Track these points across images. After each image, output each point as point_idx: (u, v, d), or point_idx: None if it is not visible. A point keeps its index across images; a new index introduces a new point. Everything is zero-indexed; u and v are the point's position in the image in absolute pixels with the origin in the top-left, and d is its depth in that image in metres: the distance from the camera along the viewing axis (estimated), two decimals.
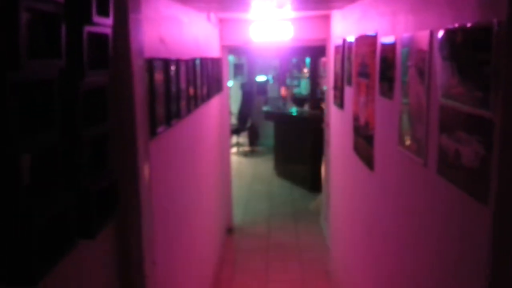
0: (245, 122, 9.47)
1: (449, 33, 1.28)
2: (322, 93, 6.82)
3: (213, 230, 4.23)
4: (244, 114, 9.57)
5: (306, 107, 7.79)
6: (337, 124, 3.83)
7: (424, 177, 1.58)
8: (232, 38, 4.70)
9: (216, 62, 4.14)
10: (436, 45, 1.40)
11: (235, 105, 10.17)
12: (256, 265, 4.52)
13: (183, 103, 2.53)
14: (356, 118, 2.78)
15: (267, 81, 10.31)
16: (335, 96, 3.84)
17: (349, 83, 3.04)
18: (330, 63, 4.34)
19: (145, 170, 1.54)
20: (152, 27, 1.97)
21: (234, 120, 9.88)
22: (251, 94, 9.80)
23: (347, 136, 3.14)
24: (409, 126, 1.71)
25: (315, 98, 7.87)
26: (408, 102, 1.73)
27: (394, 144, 1.90)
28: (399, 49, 1.85)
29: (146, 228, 1.54)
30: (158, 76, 1.96)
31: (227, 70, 5.10)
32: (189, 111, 2.73)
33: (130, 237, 1.46)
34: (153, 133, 1.88)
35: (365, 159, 2.56)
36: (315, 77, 8.38)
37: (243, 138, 9.74)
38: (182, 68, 2.49)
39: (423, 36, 1.55)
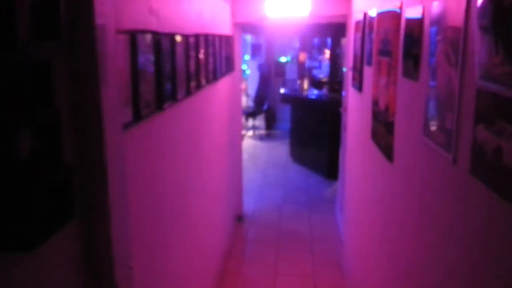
0: (262, 105, 9.18)
1: None
2: (342, 75, 6.47)
3: (221, 219, 4.01)
4: (260, 96, 9.27)
5: (325, 90, 7.44)
6: (355, 109, 3.53)
7: (453, 176, 1.30)
8: (245, 14, 4.39)
9: (226, 40, 3.86)
10: (474, 14, 1.10)
11: (252, 87, 9.89)
12: (265, 257, 4.30)
13: (180, 85, 2.28)
14: (375, 102, 2.48)
15: (286, 62, 9.95)
16: (353, 78, 3.52)
17: (369, 62, 2.73)
18: (349, 41, 4.01)
19: (117, 161, 1.30)
20: None
21: (250, 103, 9.62)
22: (268, 76, 9.47)
23: (365, 122, 2.84)
24: (437, 113, 1.42)
25: (335, 81, 7.51)
26: (436, 84, 1.44)
27: (418, 133, 1.61)
28: (427, 21, 1.54)
29: (118, 228, 1.31)
30: (145, 52, 1.71)
31: (240, 50, 4.81)
32: (189, 93, 2.48)
33: (96, 241, 1.23)
34: (137, 118, 1.63)
35: (383, 148, 2.27)
36: (335, 59, 7.99)
37: (259, 121, 9.47)
38: (180, 45, 2.23)
39: (457, 3, 1.25)
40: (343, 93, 4.69)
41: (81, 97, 1.11)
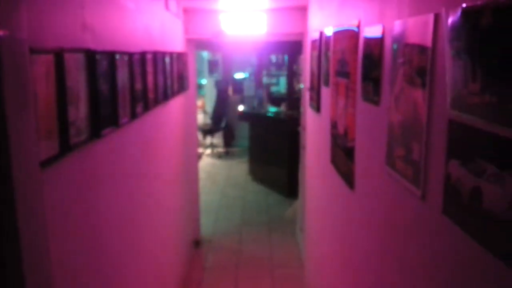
0: (220, 122, 9.00)
1: (468, 13, 0.86)
2: (300, 92, 6.41)
3: (176, 246, 3.76)
4: (218, 113, 9.09)
5: (283, 107, 7.36)
6: (314, 130, 3.41)
7: (421, 214, 1.16)
8: (199, 31, 4.22)
9: (178, 57, 3.67)
10: (444, 34, 0.98)
11: (209, 104, 9.70)
12: (224, 285, 4.07)
13: (123, 108, 2.06)
14: (334, 125, 2.36)
15: (244, 79, 9.85)
16: (311, 98, 3.41)
17: (327, 83, 2.61)
18: (306, 60, 3.92)
19: (32, 208, 1.08)
20: (68, 8, 1.50)
21: (208, 120, 9.43)
22: (226, 93, 9.32)
23: (324, 144, 2.71)
24: (402, 142, 1.29)
25: (293, 98, 7.45)
26: (400, 110, 1.31)
27: (381, 162, 1.48)
28: (388, 42, 1.43)
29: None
30: (76, 73, 1.49)
31: (194, 67, 4.63)
32: (134, 116, 2.26)
33: None
34: (65, 149, 1.41)
35: (344, 175, 2.14)
36: (292, 76, 7.96)
37: (217, 139, 9.27)
38: (122, 64, 2.02)
39: (423, 22, 1.13)
40: (301, 112, 4.59)
41: None
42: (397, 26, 1.34)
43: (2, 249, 1.00)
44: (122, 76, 2.03)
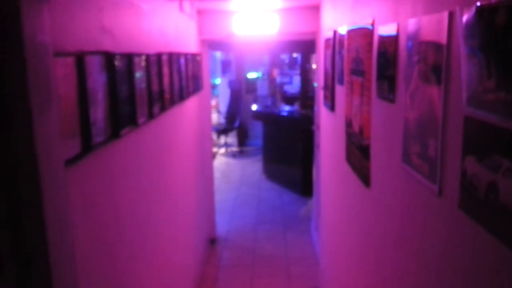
0: (234, 122, 9.04)
1: (483, 11, 0.87)
2: (314, 91, 6.41)
3: (192, 244, 3.81)
4: (232, 113, 9.13)
5: (297, 106, 7.37)
6: (328, 128, 3.42)
7: (438, 209, 1.17)
8: (212, 32, 4.26)
9: (193, 58, 3.71)
10: (459, 32, 0.99)
11: (223, 104, 9.75)
12: (240, 283, 4.10)
13: (141, 108, 2.10)
14: (349, 123, 2.37)
15: (257, 78, 9.87)
16: (325, 97, 3.42)
17: (341, 81, 2.62)
18: (320, 59, 3.93)
19: (58, 205, 1.12)
20: (88, 11, 1.54)
21: (222, 120, 9.48)
22: (239, 92, 9.36)
23: (339, 143, 2.72)
24: (418, 139, 1.30)
25: (306, 96, 7.45)
26: (416, 107, 1.32)
27: (397, 159, 1.49)
28: (403, 39, 1.44)
29: (61, 278, 1.12)
30: (96, 75, 1.53)
31: (208, 67, 4.67)
32: (151, 116, 2.31)
33: None
34: (86, 148, 1.45)
35: (359, 172, 2.14)
36: (306, 74, 7.96)
37: (231, 138, 9.31)
38: (139, 65, 2.06)
39: (438, 21, 1.14)
40: (315, 110, 4.59)
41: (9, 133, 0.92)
42: (411, 24, 1.35)
43: (30, 246, 1.05)
44: (139, 77, 2.07)
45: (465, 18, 0.96)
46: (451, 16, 1.07)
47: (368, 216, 1.99)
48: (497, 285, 0.85)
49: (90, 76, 1.47)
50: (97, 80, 1.56)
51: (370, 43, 1.86)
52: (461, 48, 0.98)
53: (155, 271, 2.49)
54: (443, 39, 1.10)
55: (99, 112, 1.58)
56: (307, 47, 7.54)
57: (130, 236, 2.00)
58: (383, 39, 1.68)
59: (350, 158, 2.37)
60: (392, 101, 1.56)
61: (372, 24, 1.85)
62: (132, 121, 1.99)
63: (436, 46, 1.16)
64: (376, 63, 1.77)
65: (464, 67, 0.97)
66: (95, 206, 1.57)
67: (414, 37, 1.33)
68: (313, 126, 4.82)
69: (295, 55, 9.99)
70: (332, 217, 3.28)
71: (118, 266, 1.82)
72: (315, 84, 4.81)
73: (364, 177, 2.00)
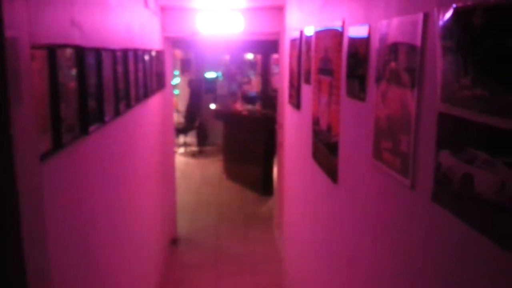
0: (193, 121, 8.96)
1: (460, 13, 0.92)
2: (274, 91, 6.47)
3: (153, 244, 3.75)
4: (191, 112, 9.05)
5: (257, 106, 7.42)
6: (293, 126, 3.48)
7: (411, 202, 1.23)
8: (176, 29, 4.21)
9: (157, 55, 3.65)
10: (435, 32, 1.05)
11: (182, 103, 9.65)
12: (205, 283, 4.08)
13: (108, 104, 2.05)
14: (316, 121, 2.42)
15: (216, 78, 9.84)
16: (290, 96, 3.47)
17: (308, 81, 2.68)
18: (284, 59, 3.98)
19: (33, 201, 1.08)
20: (59, 4, 1.49)
21: (181, 119, 9.37)
22: (199, 92, 9.29)
23: (305, 140, 2.78)
24: (390, 135, 1.36)
25: (267, 96, 7.52)
26: (387, 105, 1.38)
27: (367, 156, 1.55)
28: (374, 40, 1.49)
29: (35, 272, 1.08)
30: (66, 69, 1.48)
31: (171, 65, 4.61)
32: (118, 113, 2.26)
33: None
34: (58, 145, 1.40)
35: (326, 169, 2.20)
36: (266, 74, 8.03)
37: (191, 138, 9.23)
38: (106, 60, 2.01)
39: (412, 22, 1.20)
40: (278, 110, 4.65)
41: None
42: (384, 25, 1.41)
43: (5, 242, 1.00)
44: (107, 72, 2.02)
45: (442, 19, 1.01)
46: (426, 17, 1.13)
47: (336, 212, 2.05)
48: (476, 275, 0.90)
49: (61, 70, 1.43)
50: (68, 75, 1.51)
51: (340, 43, 1.92)
52: (437, 48, 1.04)
53: (119, 273, 2.44)
54: (418, 40, 1.15)
55: (70, 108, 1.53)
56: (268, 47, 7.61)
57: (98, 233, 1.94)
58: (354, 40, 1.74)
59: (316, 155, 2.43)
60: (362, 99, 1.61)
61: (342, 25, 1.90)
62: (100, 118, 1.94)
63: (409, 47, 1.21)
64: (346, 63, 1.82)
65: (440, 66, 1.03)
66: (65, 203, 1.52)
67: (386, 38, 1.39)
68: (275, 125, 4.88)
69: (251, 56, 10.04)
70: (297, 214, 3.33)
71: (85, 264, 1.77)
72: (277, 85, 4.87)
73: (332, 173, 2.05)
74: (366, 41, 1.58)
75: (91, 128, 1.81)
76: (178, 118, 9.57)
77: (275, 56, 7.04)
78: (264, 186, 6.42)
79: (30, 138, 1.09)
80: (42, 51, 1.30)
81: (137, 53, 2.75)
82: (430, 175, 1.08)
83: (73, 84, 1.57)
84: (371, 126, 1.50)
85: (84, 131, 1.70)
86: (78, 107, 1.63)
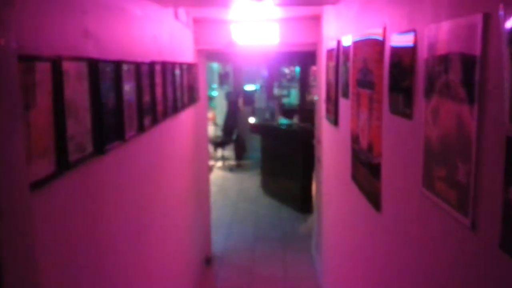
0: (231, 134, 8.86)
1: None
2: (313, 103, 6.26)
3: (186, 264, 3.60)
4: (229, 125, 8.96)
5: (296, 119, 7.21)
6: (331, 143, 3.25)
7: (471, 247, 0.99)
8: (209, 41, 4.10)
9: (189, 68, 3.55)
10: (500, 38, 0.82)
11: (220, 116, 9.59)
12: None
13: (130, 121, 1.93)
14: (355, 139, 2.20)
15: (255, 90, 9.73)
16: (327, 110, 3.26)
17: (346, 94, 2.46)
18: (321, 70, 3.77)
19: (18, 240, 0.93)
20: (68, 13, 1.37)
21: (219, 132, 9.31)
22: (237, 105, 9.20)
23: (344, 159, 2.55)
24: (443, 160, 1.13)
25: (305, 109, 7.30)
26: (440, 125, 1.15)
27: (416, 183, 1.31)
28: (422, 48, 1.27)
29: None
30: (74, 82, 1.36)
31: (205, 78, 4.51)
32: (142, 129, 2.13)
33: None
34: (63, 167, 1.27)
35: (368, 194, 1.97)
36: (305, 87, 7.82)
37: (228, 151, 9.13)
38: (127, 74, 1.89)
39: (468, 25, 0.97)
40: (316, 124, 4.43)
41: None
42: (432, 30, 1.19)
43: None
44: (128, 87, 1.90)
45: (508, 20, 0.79)
46: (486, 19, 0.91)
47: (378, 244, 1.81)
48: None
49: (68, 84, 1.30)
50: (78, 89, 1.39)
51: (381, 52, 1.70)
52: (503, 56, 0.82)
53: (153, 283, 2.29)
54: (476, 47, 0.93)
55: (80, 126, 1.40)
56: (306, 59, 7.42)
57: (119, 262, 1.80)
58: (397, 48, 1.52)
59: (356, 177, 2.20)
60: (409, 116, 1.39)
61: (384, 32, 1.69)
62: (119, 135, 1.81)
63: (465, 56, 0.99)
64: (389, 74, 1.60)
65: (508, 78, 0.81)
66: (76, 229, 1.38)
67: (435, 46, 1.17)
68: (313, 140, 4.66)
69: (292, 68, 9.89)
70: (336, 238, 3.09)
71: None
72: (315, 97, 4.65)
73: (374, 200, 1.82)
74: (411, 50, 1.36)
75: (109, 146, 1.68)
76: (216, 131, 9.53)
77: (313, 68, 6.84)
78: (302, 203, 6.17)
79: (19, 163, 0.95)
80: (45, 63, 1.17)
81: (166, 66, 2.63)
82: (496, 214, 0.85)
83: (85, 100, 1.44)
84: (420, 148, 1.27)
85: (99, 150, 1.57)
86: (91, 124, 1.50)
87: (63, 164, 1.28)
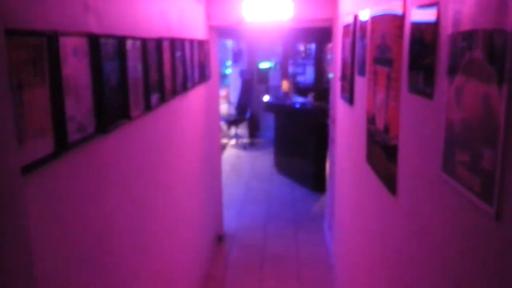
0: (244, 113, 8.78)
1: None
2: (328, 82, 6.10)
3: (197, 242, 3.59)
4: (243, 104, 8.87)
5: (310, 98, 7.08)
6: (345, 123, 3.15)
7: (495, 239, 0.91)
8: (221, 17, 3.98)
9: (200, 45, 3.45)
10: None
11: (234, 94, 9.50)
12: (247, 284, 3.88)
13: (136, 99, 1.86)
14: (371, 119, 2.10)
15: (269, 68, 9.57)
16: (342, 89, 3.14)
17: (362, 72, 2.35)
18: (337, 47, 3.64)
19: (10, 225, 0.88)
20: None
21: (232, 110, 9.24)
22: (251, 83, 9.08)
23: (358, 140, 2.46)
24: (467, 145, 1.04)
25: (321, 88, 7.15)
26: (464, 106, 1.05)
27: (435, 167, 1.23)
28: (447, 22, 1.16)
29: None
30: (73, 59, 1.29)
31: (217, 56, 4.40)
32: (149, 108, 2.07)
33: None
34: (61, 147, 1.21)
35: (383, 176, 1.88)
36: (320, 65, 7.65)
37: (242, 130, 9.07)
38: (132, 50, 1.81)
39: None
40: (330, 103, 4.31)
41: None
42: (457, 3, 1.08)
43: None
44: (133, 64, 1.83)
45: None
46: None
47: (393, 228, 1.73)
48: None
49: (66, 61, 1.23)
50: (78, 67, 1.32)
51: (401, 27, 1.59)
52: None
53: (159, 273, 2.27)
54: (508, 22, 0.83)
55: (80, 105, 1.34)
56: (322, 36, 7.22)
57: (125, 242, 1.77)
58: (418, 24, 1.41)
59: (371, 159, 2.11)
60: (429, 96, 1.29)
61: (404, 5, 1.57)
62: (124, 114, 1.75)
63: (495, 30, 0.89)
64: (408, 51, 1.49)
65: None
66: (78, 211, 1.34)
67: (461, 19, 1.06)
68: (327, 119, 4.55)
69: (308, 45, 9.68)
70: (349, 219, 3.02)
71: (113, 279, 1.60)
72: (331, 75, 4.52)
73: (390, 183, 1.73)
74: (434, 25, 1.25)
75: (113, 125, 1.62)
76: (229, 109, 9.46)
77: (329, 45, 6.66)
78: (316, 182, 6.11)
79: (8, 144, 0.90)
80: (39, 38, 1.10)
81: (175, 43, 2.55)
82: None
83: (86, 77, 1.38)
84: (441, 130, 1.17)
85: (102, 129, 1.51)
86: (93, 103, 1.44)
87: (62, 144, 1.22)
